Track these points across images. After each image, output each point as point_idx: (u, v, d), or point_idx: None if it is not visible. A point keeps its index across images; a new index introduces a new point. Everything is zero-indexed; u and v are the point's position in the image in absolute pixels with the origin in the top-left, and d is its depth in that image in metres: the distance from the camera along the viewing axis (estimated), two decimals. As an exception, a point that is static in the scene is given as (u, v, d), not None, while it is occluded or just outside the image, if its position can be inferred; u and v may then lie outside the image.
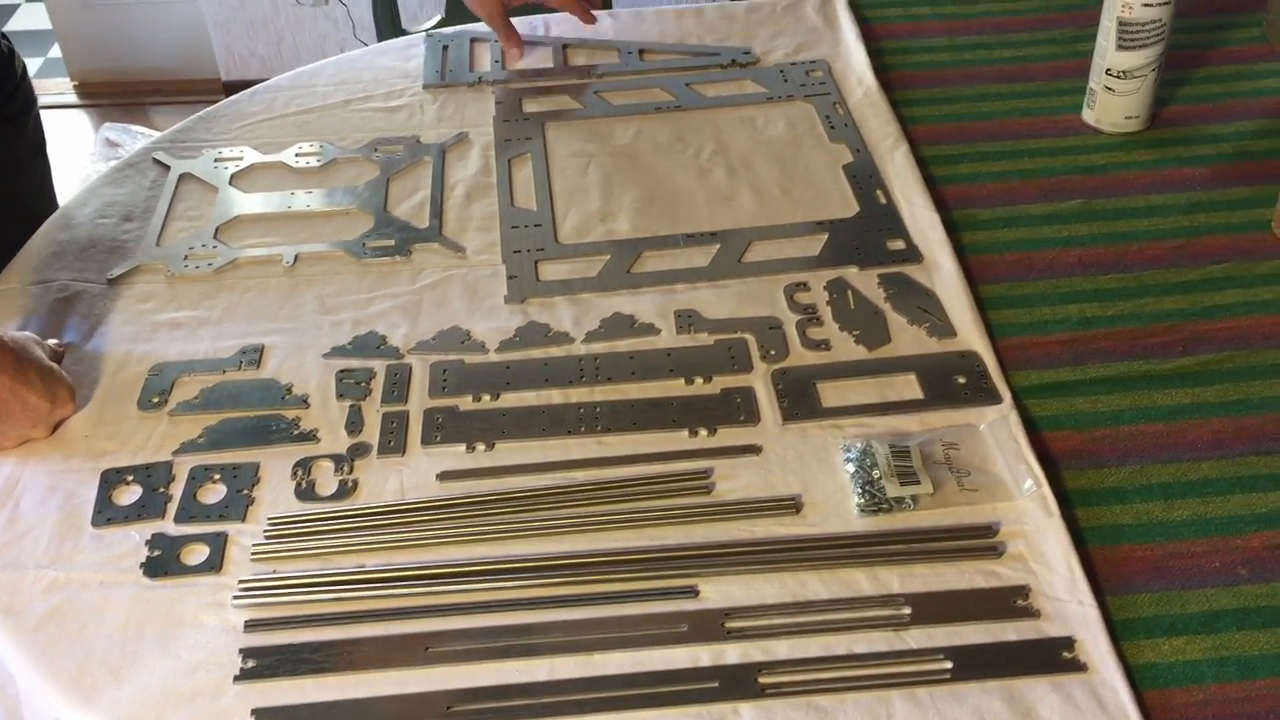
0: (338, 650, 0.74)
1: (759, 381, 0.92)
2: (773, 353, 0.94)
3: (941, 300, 0.99)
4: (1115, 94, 1.17)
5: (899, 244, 1.05)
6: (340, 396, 0.92)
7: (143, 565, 0.79)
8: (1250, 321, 0.96)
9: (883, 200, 1.11)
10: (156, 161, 1.20)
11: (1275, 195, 1.06)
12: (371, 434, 0.89)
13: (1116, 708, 0.69)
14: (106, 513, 0.83)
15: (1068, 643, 0.73)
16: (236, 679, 0.72)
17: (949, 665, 0.72)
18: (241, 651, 0.74)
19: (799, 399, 0.90)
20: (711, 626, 0.75)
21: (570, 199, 1.13)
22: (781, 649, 0.74)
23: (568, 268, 1.05)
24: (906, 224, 1.07)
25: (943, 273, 1.02)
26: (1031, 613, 0.75)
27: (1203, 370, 0.92)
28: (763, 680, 0.72)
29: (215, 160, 1.19)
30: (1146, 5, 1.11)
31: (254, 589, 0.78)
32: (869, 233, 1.07)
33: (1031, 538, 0.79)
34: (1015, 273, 1.03)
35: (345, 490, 0.85)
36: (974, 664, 0.72)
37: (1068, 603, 0.75)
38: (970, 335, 0.95)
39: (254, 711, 0.70)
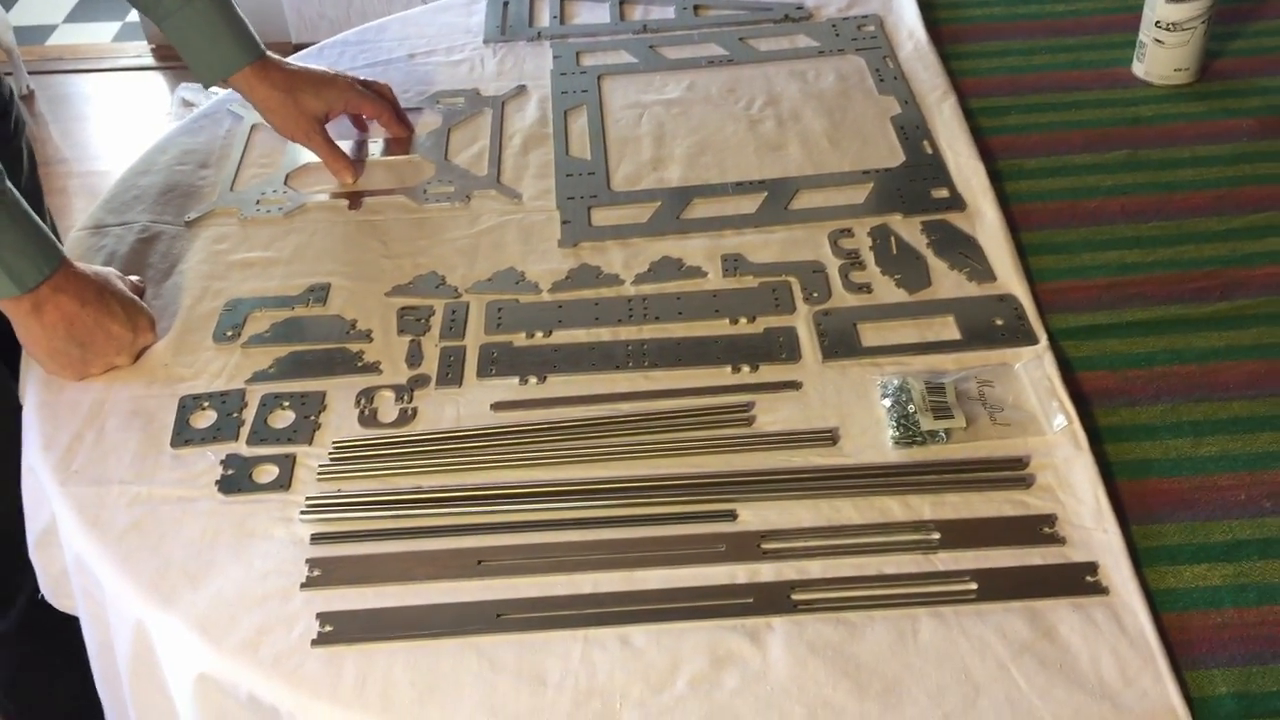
0: (396, 563, 0.79)
1: (801, 322, 0.95)
2: (815, 295, 0.97)
3: (983, 246, 1.01)
4: (1165, 46, 1.17)
5: (943, 192, 1.08)
6: (401, 332, 0.97)
7: (218, 483, 0.85)
8: (1289, 269, 0.97)
9: (929, 150, 1.13)
10: (231, 113, 1.26)
11: (1322, 146, 1.07)
12: (430, 367, 0.94)
13: (1135, 629, 0.72)
14: (185, 434, 0.89)
15: (1091, 567, 0.76)
16: (303, 586, 0.78)
17: (974, 587, 0.75)
18: (308, 562, 0.79)
19: (839, 339, 0.93)
20: (748, 547, 0.79)
21: (623, 149, 1.17)
22: (814, 569, 0.77)
23: (619, 214, 1.09)
24: (951, 173, 1.10)
25: (985, 220, 1.04)
26: (1057, 539, 0.78)
27: (1239, 315, 0.93)
28: (795, 597, 0.76)
29: (285, 112, 1.24)
30: (1197, -44, 1.12)
31: (319, 506, 0.83)
32: (914, 181, 1.09)
33: (1060, 470, 0.82)
34: (1058, 220, 1.05)
35: (405, 418, 0.90)
36: (998, 586, 0.75)
37: (1093, 530, 0.78)
38: (1010, 280, 0.98)
39: (319, 615, 0.76)
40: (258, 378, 0.93)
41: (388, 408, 0.91)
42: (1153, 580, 0.75)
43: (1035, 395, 0.87)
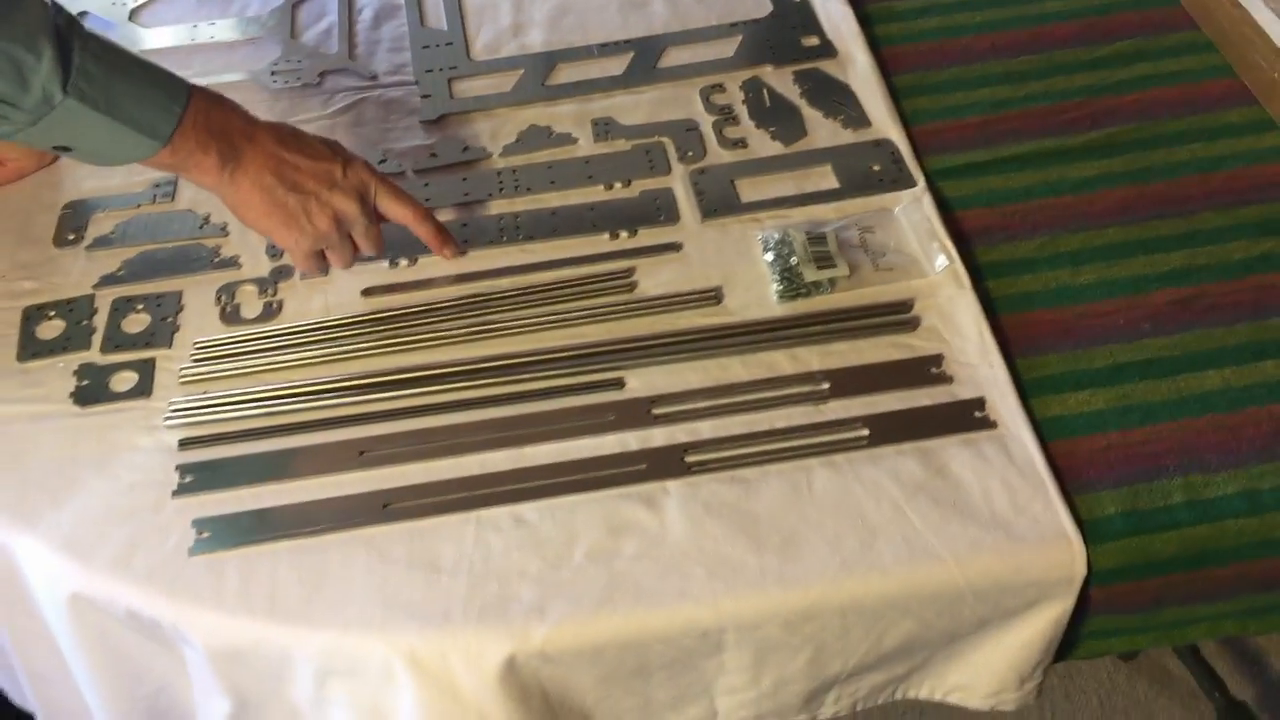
0: (273, 461, 0.76)
1: (678, 183, 0.92)
2: (690, 154, 0.94)
3: (856, 93, 0.99)
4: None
5: (813, 40, 1.05)
6: (259, 223, 0.91)
7: (72, 395, 0.80)
8: (1156, 93, 0.97)
9: (796, -2, 1.09)
10: (50, 3, 1.16)
11: (1185, -31, 1.06)
12: (293, 257, 0.89)
13: (1024, 458, 0.73)
14: (31, 348, 0.83)
15: (978, 403, 0.76)
16: (175, 494, 0.74)
17: (866, 433, 0.75)
18: (179, 468, 0.75)
19: (717, 196, 0.91)
20: (638, 414, 0.77)
21: (481, 16, 1.11)
22: (706, 430, 0.76)
23: (482, 84, 1.04)
24: (820, 20, 1.06)
25: (857, 66, 1.02)
26: (944, 379, 0.77)
27: (1110, 143, 0.93)
28: (689, 459, 0.74)
29: (112, -2, 1.15)
30: None
31: (185, 410, 0.78)
32: (783, 31, 1.06)
33: (944, 310, 0.81)
34: (929, 61, 1.03)
35: (270, 312, 0.85)
36: (889, 429, 0.75)
37: (978, 366, 0.78)
38: (885, 124, 0.96)
39: (194, 522, 0.72)
40: (106, 281, 0.87)
41: (251, 303, 0.86)
42: (1039, 410, 0.76)
43: (916, 238, 0.86)
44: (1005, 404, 0.76)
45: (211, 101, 0.76)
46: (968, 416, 0.75)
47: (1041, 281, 0.83)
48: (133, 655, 0.74)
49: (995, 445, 0.74)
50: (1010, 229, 0.87)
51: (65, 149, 0.72)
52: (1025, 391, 0.77)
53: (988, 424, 0.75)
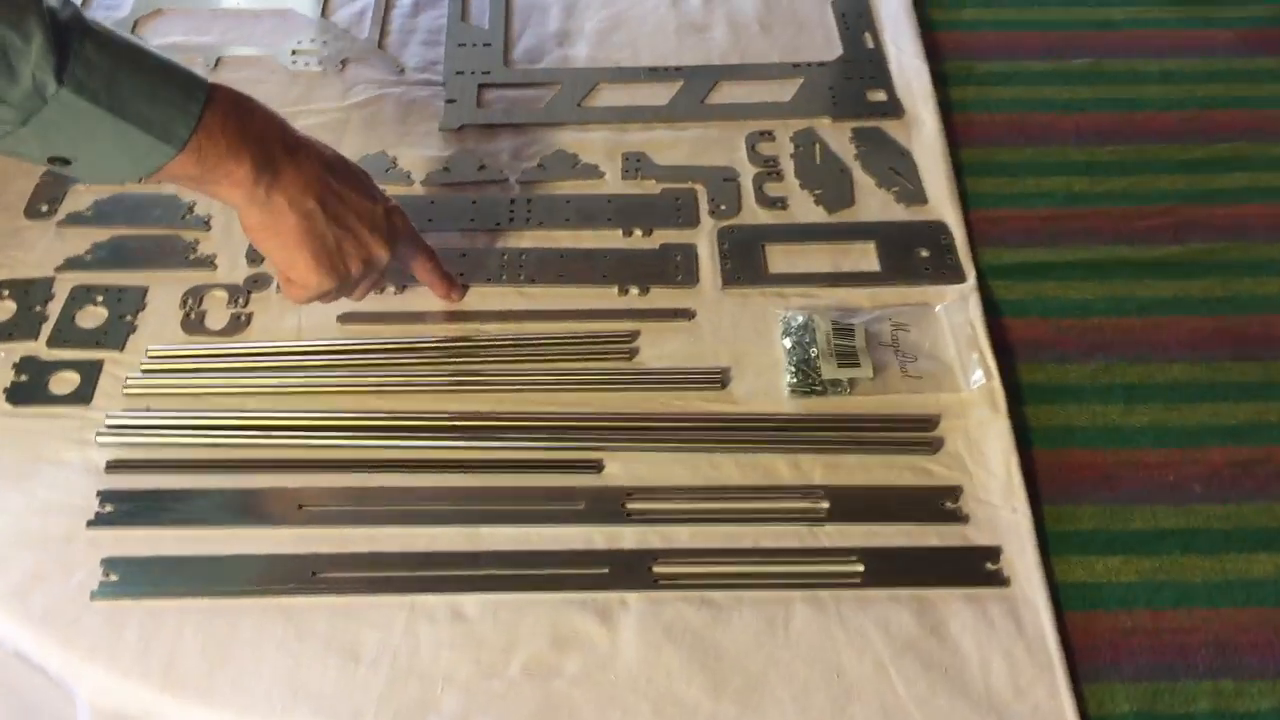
0: (203, 501, 0.68)
1: (703, 239, 0.84)
2: (723, 208, 0.86)
3: (917, 162, 0.90)
4: (1145, -59, 1.04)
5: (880, 95, 0.95)
6: (246, 221, 0.84)
7: (6, 390, 0.73)
8: (1251, 210, 0.87)
9: (870, 44, 1.00)
10: (80, -58, 1.09)
11: (1306, 70, 0.95)
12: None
13: (1034, 630, 0.64)
14: (-27, 330, 0.77)
15: (993, 553, 0.67)
16: (90, 524, 0.67)
17: (860, 569, 0.66)
18: (100, 495, 0.68)
19: (744, 261, 0.82)
20: (611, 506, 0.69)
21: (528, 17, 1.03)
22: (683, 536, 0.68)
23: (514, 95, 0.95)
24: (892, 72, 0.97)
25: (923, 131, 0.92)
26: (959, 517, 0.68)
27: (1190, 260, 0.83)
28: (657, 570, 0.66)
29: (144, -55, 1.08)
30: None
31: (122, 426, 0.71)
32: (849, 79, 0.96)
33: (973, 435, 0.72)
34: (1004, 136, 0.93)
35: (237, 325, 0.78)
36: (887, 569, 0.66)
37: (1000, 509, 0.69)
38: (942, 204, 0.86)
39: (104, 561, 0.65)
40: (70, 265, 0.81)
41: (218, 311, 0.79)
42: (1061, 572, 0.67)
43: (955, 344, 0.77)
44: (1023, 559, 0.66)
45: (239, 103, 0.64)
46: (978, 568, 0.66)
47: (1088, 415, 0.74)
48: (23, 691, 0.67)
49: (1004, 608, 0.65)
50: (1062, 347, 0.78)
51: (64, 161, 0.59)
52: (1048, 546, 0.67)
53: (999, 580, 0.66)
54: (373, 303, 0.78)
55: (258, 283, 0.80)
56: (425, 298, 0.79)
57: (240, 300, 0.79)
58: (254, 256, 0.81)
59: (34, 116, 0.56)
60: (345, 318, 0.78)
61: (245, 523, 0.68)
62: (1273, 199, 0.87)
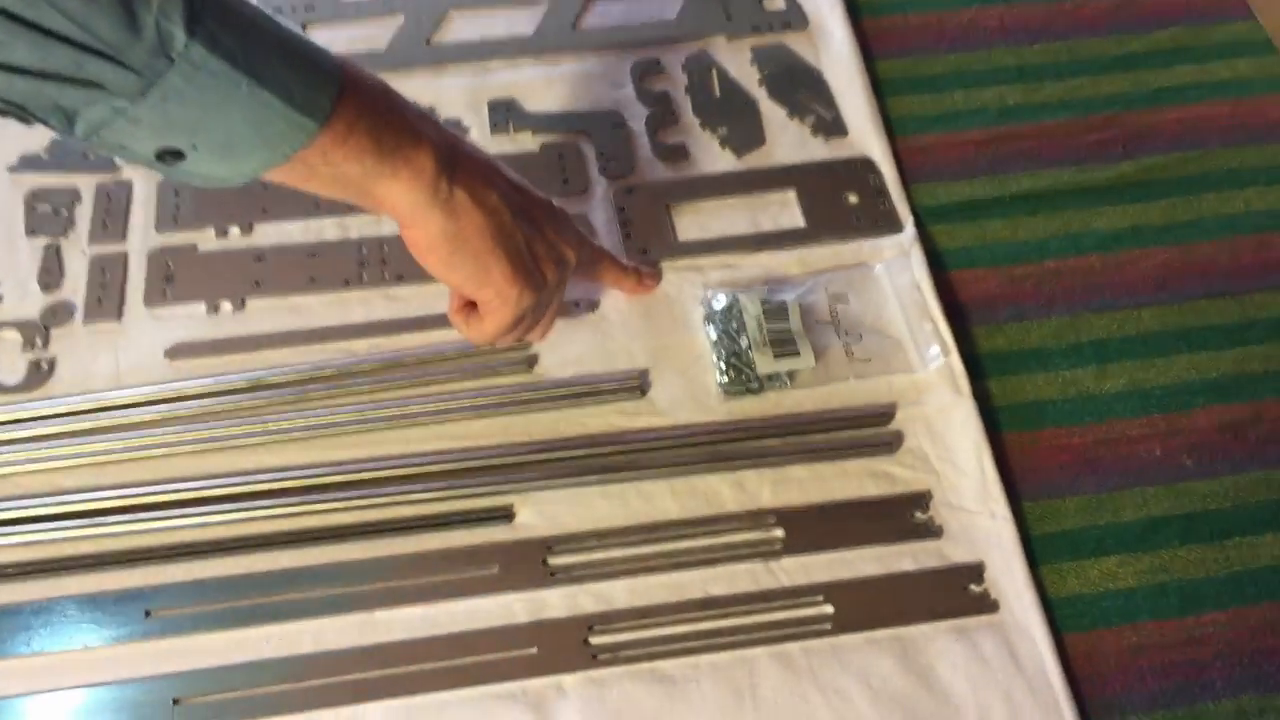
0: (18, 620, 0.55)
1: (598, 207, 0.71)
2: (613, 163, 0.73)
3: (829, 82, 0.77)
4: None
5: (778, 2, 0.82)
6: (32, 232, 0.68)
7: None
8: (1202, 111, 0.77)
9: (760, -62, 0.86)
10: None
11: (1242, -63, 0.85)
12: (76, 288, 0.66)
13: (1033, 662, 0.55)
14: None
15: (976, 571, 0.58)
16: (-124, 675, 0.53)
17: (829, 610, 0.57)
18: (-116, 632, 0.54)
19: (647, 229, 0.70)
20: (530, 564, 0.58)
21: (353, -69, 0.86)
22: (619, 593, 0.57)
23: (347, 35, 0.79)
24: (789, -28, 0.84)
25: (833, 43, 0.79)
26: (932, 530, 0.59)
27: (1147, 180, 0.74)
28: (594, 641, 0.55)
29: None
30: None
31: (-97, 535, 0.57)
32: (741, -16, 0.83)
33: (935, 425, 0.63)
34: (923, 42, 0.81)
35: (37, 375, 0.63)
36: (859, 607, 0.57)
37: (976, 514, 0.60)
38: (865, 133, 0.75)
39: (-100, 725, 0.52)
40: None
41: (10, 359, 0.63)
42: (1052, 585, 0.58)
43: (902, 312, 0.66)
44: (1011, 576, 0.58)
45: (371, 77, 0.47)
46: (961, 592, 0.57)
47: (1058, 386, 0.65)
48: None
49: (996, 639, 0.56)
50: (1019, 301, 0.68)
51: (177, 154, 0.43)
52: (1034, 554, 0.59)
53: (987, 604, 0.57)
54: (206, 326, 0.64)
55: (59, 315, 0.65)
56: (268, 315, 0.65)
57: (37, 340, 0.64)
58: (49, 278, 0.66)
59: (155, 86, 0.40)
60: (174, 351, 0.64)
61: (73, 645, 0.54)
62: (1223, 94, 0.78)
